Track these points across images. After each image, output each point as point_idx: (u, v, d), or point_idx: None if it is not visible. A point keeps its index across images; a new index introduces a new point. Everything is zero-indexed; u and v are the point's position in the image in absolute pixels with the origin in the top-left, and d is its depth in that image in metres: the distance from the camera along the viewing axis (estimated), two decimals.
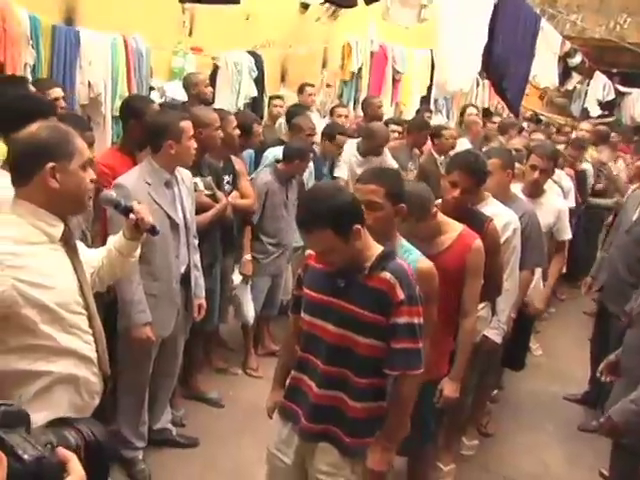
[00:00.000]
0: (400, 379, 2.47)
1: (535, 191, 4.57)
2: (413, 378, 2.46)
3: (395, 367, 2.44)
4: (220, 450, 4.15)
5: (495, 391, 5.03)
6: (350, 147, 6.01)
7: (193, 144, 3.54)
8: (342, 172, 5.87)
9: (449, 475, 4.07)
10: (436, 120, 8.58)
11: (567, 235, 4.80)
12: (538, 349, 6.20)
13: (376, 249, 2.48)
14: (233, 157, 4.70)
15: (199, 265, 3.81)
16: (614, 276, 4.75)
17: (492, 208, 3.77)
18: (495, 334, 3.90)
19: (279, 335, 5.78)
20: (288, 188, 5.06)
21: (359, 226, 2.36)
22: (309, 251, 2.66)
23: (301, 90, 7.22)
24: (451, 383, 3.32)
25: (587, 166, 7.45)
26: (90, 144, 3.37)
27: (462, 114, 8.42)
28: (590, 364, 5.02)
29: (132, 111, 3.93)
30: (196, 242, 3.76)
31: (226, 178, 4.57)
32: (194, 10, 6.67)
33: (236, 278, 4.94)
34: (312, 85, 7.52)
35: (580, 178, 6.97)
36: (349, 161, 5.96)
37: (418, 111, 8.20)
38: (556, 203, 4.78)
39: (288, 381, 2.72)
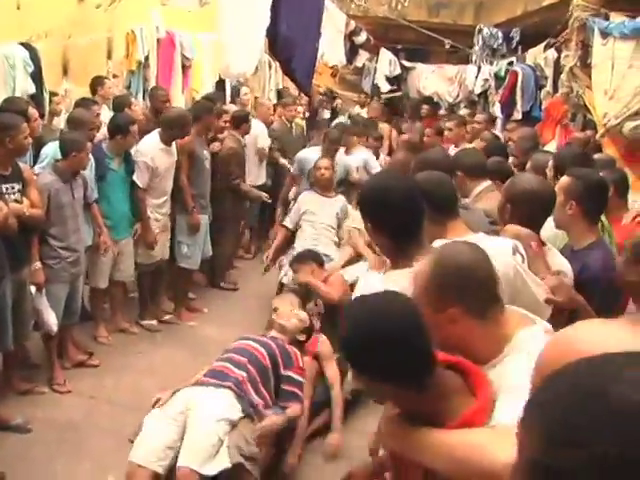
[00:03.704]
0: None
1: None
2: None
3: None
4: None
5: None
6: (151, 139, 5.81)
7: None
8: (142, 174, 5.68)
9: None
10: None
11: None
12: None
13: None
14: (22, 165, 4.46)
15: None
16: None
17: None
18: None
19: (84, 343, 5.47)
20: (73, 186, 4.77)
21: None
22: None
23: (101, 84, 6.83)
24: None
25: None
26: None
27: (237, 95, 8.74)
28: None
29: None
30: None
31: (16, 187, 4.31)
32: None
33: (34, 289, 4.59)
34: (108, 78, 7.17)
35: None
36: (151, 154, 5.72)
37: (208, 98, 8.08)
38: None
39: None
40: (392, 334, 1.62)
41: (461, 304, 1.76)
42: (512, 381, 1.63)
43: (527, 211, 2.82)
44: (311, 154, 6.83)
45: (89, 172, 5.21)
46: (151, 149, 5.74)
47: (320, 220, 5.94)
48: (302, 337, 4.27)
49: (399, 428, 1.75)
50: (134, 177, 5.67)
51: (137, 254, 5.88)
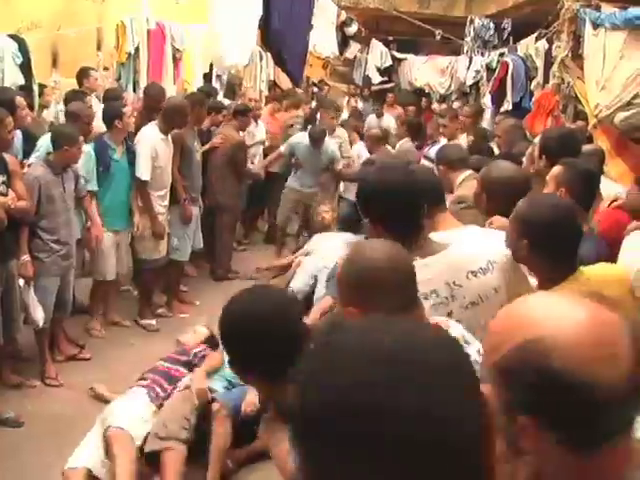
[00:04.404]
0: None
1: None
2: None
3: None
4: (23, 475, 3.79)
5: None
6: (149, 129, 5.80)
7: None
8: (145, 165, 5.65)
9: None
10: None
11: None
12: None
13: None
14: (7, 156, 4.42)
15: None
16: None
17: None
18: None
19: (76, 336, 5.45)
20: (64, 179, 4.76)
21: None
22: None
23: (86, 75, 6.79)
24: None
25: None
26: None
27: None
28: None
29: None
30: None
31: (0, 178, 4.29)
32: None
33: (22, 282, 4.57)
34: (95, 69, 7.13)
35: None
36: (152, 144, 5.71)
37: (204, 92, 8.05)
38: None
39: None
40: (253, 325, 1.74)
41: (358, 307, 1.71)
42: None
43: (502, 198, 2.82)
44: (302, 139, 7.40)
45: (90, 164, 5.23)
46: (152, 138, 5.74)
47: (327, 246, 6.17)
48: (199, 348, 4.51)
49: (270, 418, 1.82)
50: (137, 173, 5.63)
51: (140, 250, 5.85)
